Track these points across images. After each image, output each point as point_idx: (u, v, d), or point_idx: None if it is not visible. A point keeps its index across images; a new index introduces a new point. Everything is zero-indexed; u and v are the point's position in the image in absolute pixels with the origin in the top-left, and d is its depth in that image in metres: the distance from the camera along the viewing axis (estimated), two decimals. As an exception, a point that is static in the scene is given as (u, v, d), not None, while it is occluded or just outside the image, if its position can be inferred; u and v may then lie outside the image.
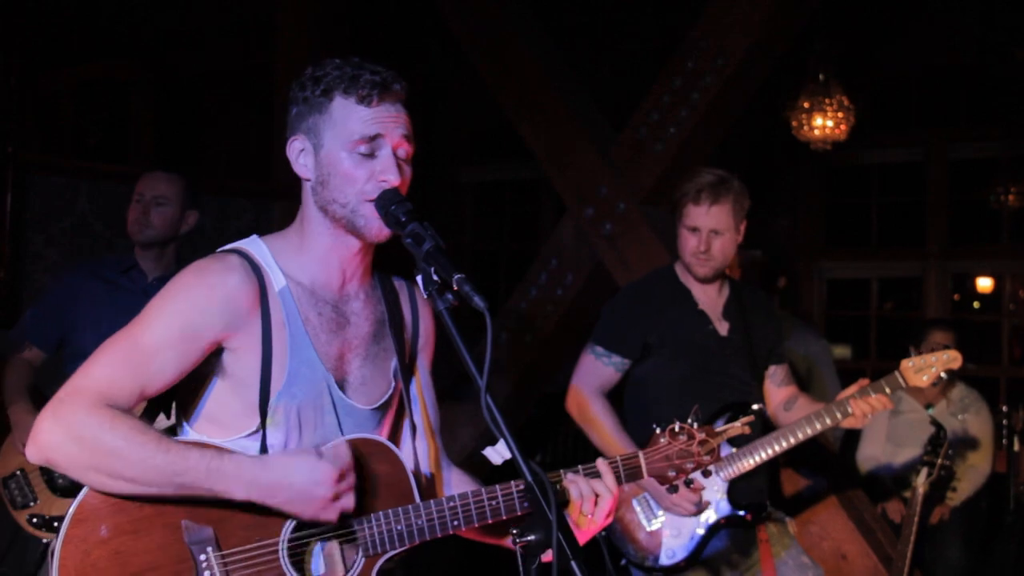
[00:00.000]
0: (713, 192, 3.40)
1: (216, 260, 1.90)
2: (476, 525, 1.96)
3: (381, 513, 1.91)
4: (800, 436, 3.35)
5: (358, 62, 1.92)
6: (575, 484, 1.99)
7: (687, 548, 3.40)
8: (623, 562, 3.48)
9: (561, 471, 2.01)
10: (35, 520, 3.52)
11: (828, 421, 3.31)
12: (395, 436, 2.12)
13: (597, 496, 1.99)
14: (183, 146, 9.01)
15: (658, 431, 2.15)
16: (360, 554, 1.90)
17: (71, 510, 1.77)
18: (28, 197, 5.21)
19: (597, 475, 2.03)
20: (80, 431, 1.74)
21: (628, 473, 2.10)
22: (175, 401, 1.97)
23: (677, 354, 3.47)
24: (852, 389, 3.34)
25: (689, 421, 2.16)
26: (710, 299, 3.55)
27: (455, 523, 1.94)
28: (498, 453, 1.84)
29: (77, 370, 1.81)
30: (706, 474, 2.17)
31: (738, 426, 2.30)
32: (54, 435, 1.75)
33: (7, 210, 5.05)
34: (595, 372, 3.54)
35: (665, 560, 3.40)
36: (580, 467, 2.04)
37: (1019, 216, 7.46)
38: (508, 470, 1.82)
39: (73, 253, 5.42)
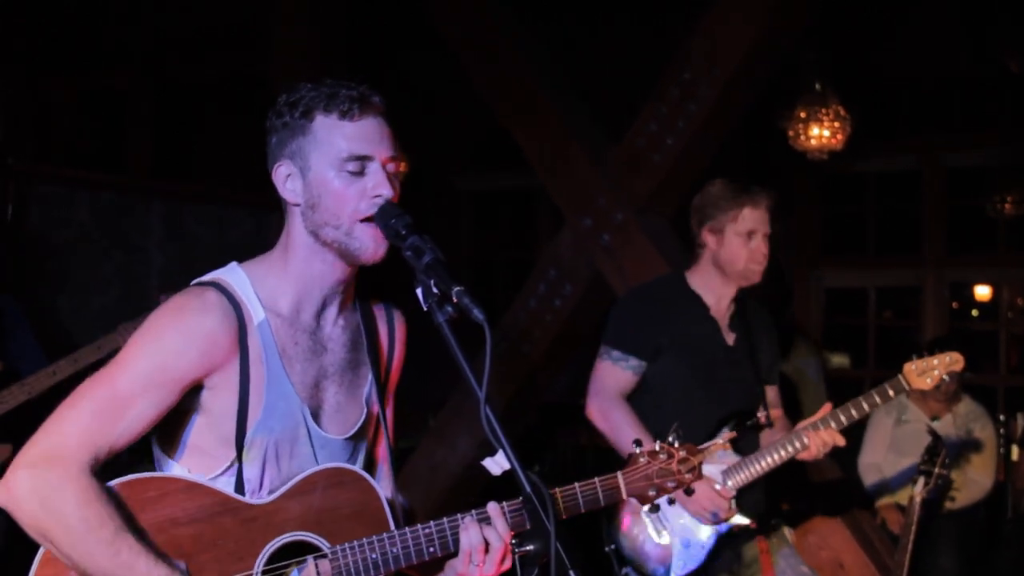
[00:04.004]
0: (764, 195, 3.38)
1: (194, 297, 1.87)
2: (452, 551, 1.92)
3: (356, 542, 1.88)
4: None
5: (332, 82, 1.91)
6: (466, 531, 1.89)
7: (697, 559, 3.40)
8: (625, 571, 3.47)
9: (458, 515, 1.92)
10: None
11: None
12: (370, 463, 2.10)
13: (488, 544, 1.88)
14: (181, 155, 9.01)
15: (637, 451, 2.12)
16: None
17: (41, 550, 1.76)
18: (28, 208, 5.21)
19: (488, 520, 1.91)
20: (50, 497, 1.72)
21: (606, 494, 2.06)
22: (156, 436, 1.93)
23: (685, 357, 3.46)
24: (809, 420, 3.32)
25: (669, 440, 2.14)
26: (720, 308, 3.54)
27: (431, 549, 1.90)
28: (497, 464, 1.84)
29: (55, 415, 1.79)
30: (688, 492, 2.14)
31: (719, 443, 2.28)
32: (23, 490, 1.73)
33: (7, 221, 5.04)
34: (613, 377, 3.50)
35: (676, 572, 3.39)
36: (473, 511, 1.93)
37: (1016, 224, 7.46)
38: (507, 482, 1.83)
39: (74, 264, 5.42)
